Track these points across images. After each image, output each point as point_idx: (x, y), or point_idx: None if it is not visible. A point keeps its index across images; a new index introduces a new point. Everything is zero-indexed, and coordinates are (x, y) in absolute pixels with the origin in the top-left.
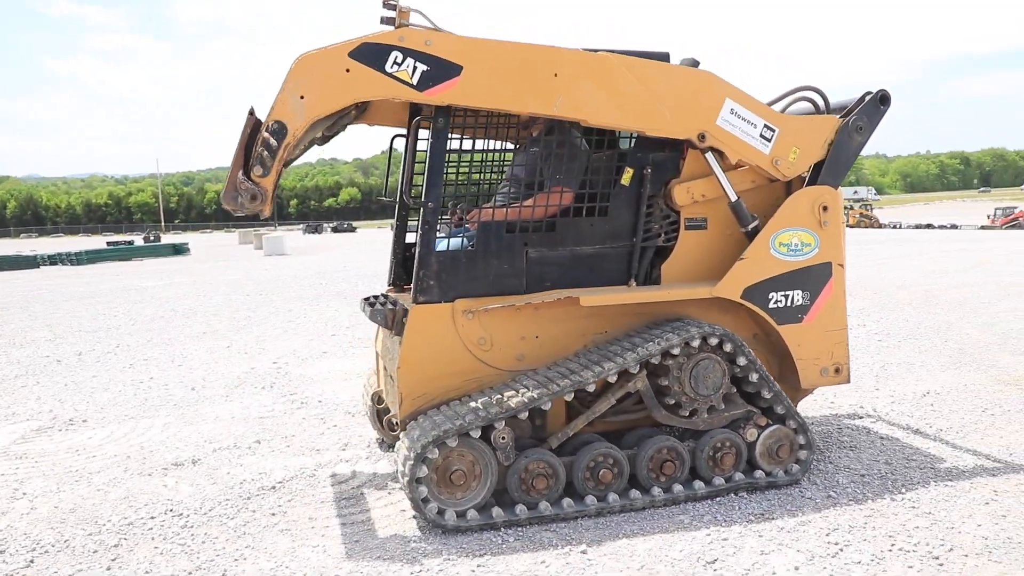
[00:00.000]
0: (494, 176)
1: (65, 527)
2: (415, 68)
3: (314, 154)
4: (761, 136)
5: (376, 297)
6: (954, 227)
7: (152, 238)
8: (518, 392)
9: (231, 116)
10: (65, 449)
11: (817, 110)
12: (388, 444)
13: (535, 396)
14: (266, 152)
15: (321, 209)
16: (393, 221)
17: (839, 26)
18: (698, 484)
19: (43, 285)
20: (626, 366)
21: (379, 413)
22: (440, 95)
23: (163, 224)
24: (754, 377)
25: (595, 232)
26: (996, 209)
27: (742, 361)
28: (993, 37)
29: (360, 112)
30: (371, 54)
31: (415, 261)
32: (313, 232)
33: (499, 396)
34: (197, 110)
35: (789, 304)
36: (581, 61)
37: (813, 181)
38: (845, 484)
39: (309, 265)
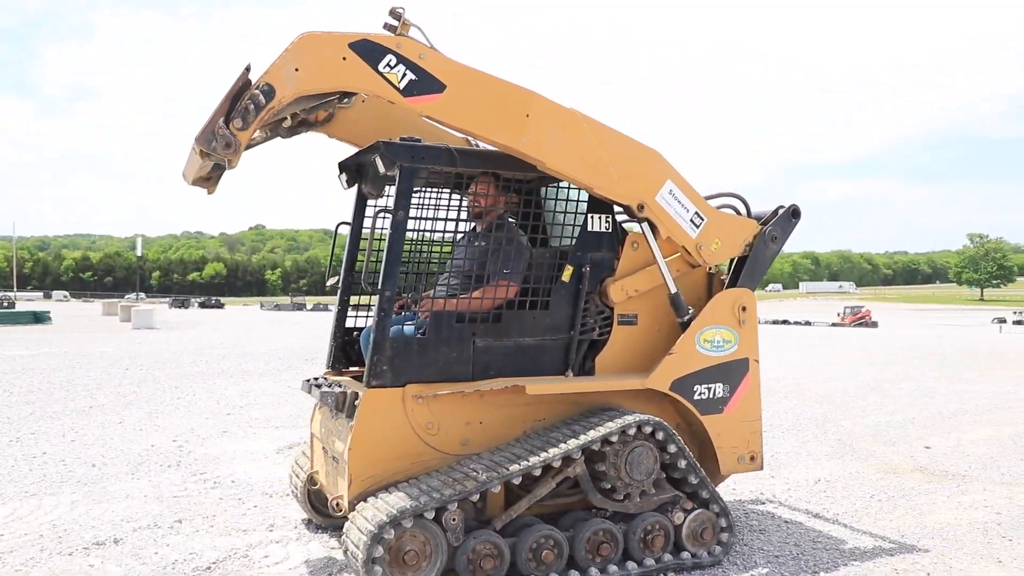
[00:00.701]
0: (438, 266)
1: None
2: (404, 75)
3: (179, 226)
4: (691, 221)
5: (318, 379)
6: (808, 323)
7: (6, 304)
8: (468, 475)
9: (90, 182)
10: None
11: (739, 215)
12: (318, 525)
13: (485, 479)
14: (252, 107)
15: (185, 283)
16: (335, 304)
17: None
18: (631, 565)
19: None
20: (569, 452)
21: (311, 494)
22: (421, 105)
23: (15, 290)
24: (682, 464)
25: (537, 324)
26: (845, 307)
27: (672, 448)
28: (837, 148)
29: (326, 120)
30: (368, 50)
31: (371, 346)
32: (180, 307)
33: (450, 479)
34: (56, 174)
35: (712, 396)
36: (552, 109)
37: (732, 283)
38: (762, 564)
39: (184, 341)
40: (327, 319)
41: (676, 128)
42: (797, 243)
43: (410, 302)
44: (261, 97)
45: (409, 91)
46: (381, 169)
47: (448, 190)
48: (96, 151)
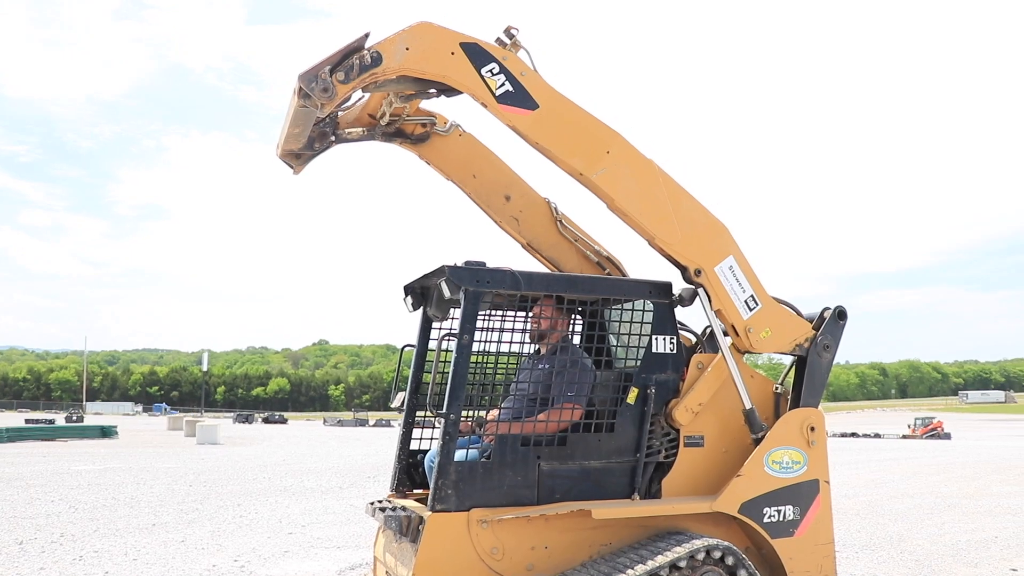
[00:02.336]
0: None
1: None
2: (503, 84)
3: (244, 341)
4: (745, 302)
5: (382, 502)
6: (877, 436)
7: (75, 418)
8: None
9: (158, 299)
10: None
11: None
12: None
13: None
14: (358, 64)
15: (249, 398)
16: (399, 427)
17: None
18: None
19: None
20: None
21: None
22: (511, 116)
23: (85, 403)
24: None
25: (602, 447)
26: (916, 419)
27: (742, 574)
28: (892, 258)
29: (421, 139)
30: (476, 53)
31: (435, 470)
32: (244, 422)
33: None
34: (125, 291)
35: (782, 519)
36: (632, 154)
37: (796, 403)
38: None
39: (247, 457)
40: (389, 435)
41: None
42: (863, 354)
43: (475, 426)
44: (369, 59)
45: (504, 99)
46: (446, 293)
47: (512, 312)
48: (163, 269)
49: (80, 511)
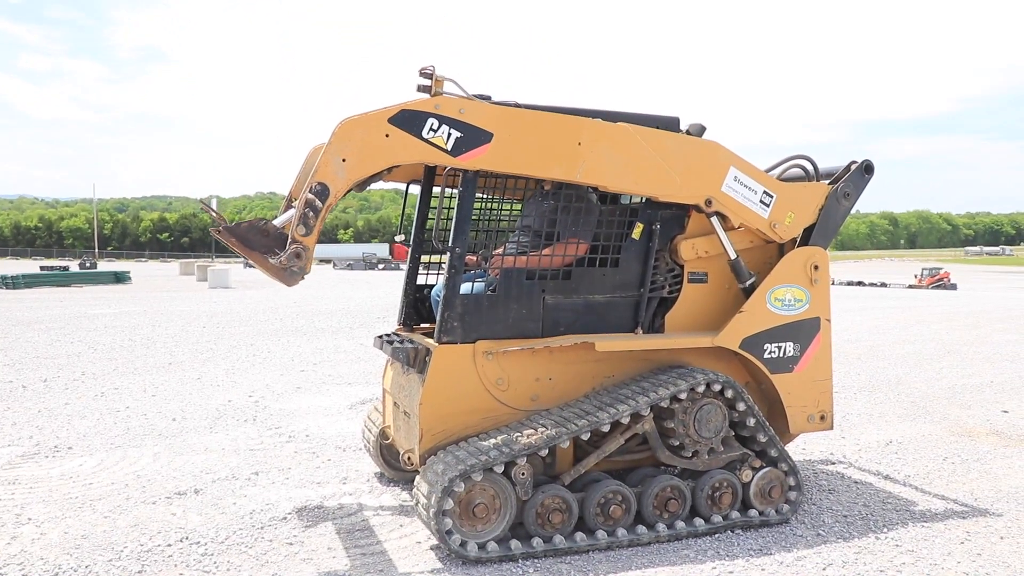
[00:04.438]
0: (508, 224)
1: (81, 552)
2: (449, 134)
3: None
4: (761, 201)
5: (390, 335)
6: (884, 285)
7: (88, 265)
8: (537, 430)
9: (166, 144)
10: (58, 476)
11: (808, 176)
12: (390, 479)
13: (554, 434)
14: (310, 212)
15: None
16: (405, 262)
17: (757, 86)
18: (698, 521)
19: None
20: (638, 409)
21: (383, 448)
22: (472, 160)
23: (97, 251)
24: (751, 422)
25: (606, 282)
26: (923, 269)
27: (741, 407)
28: (914, 104)
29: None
30: (409, 120)
31: (441, 303)
32: (252, 266)
33: (519, 434)
34: (131, 137)
35: (782, 355)
36: (603, 130)
37: (804, 242)
38: (831, 524)
39: (258, 300)
40: (397, 277)
41: (739, 86)
42: (873, 203)
43: (480, 259)
44: (317, 200)
45: (457, 149)
46: None
47: None
48: (168, 114)
49: (99, 351)
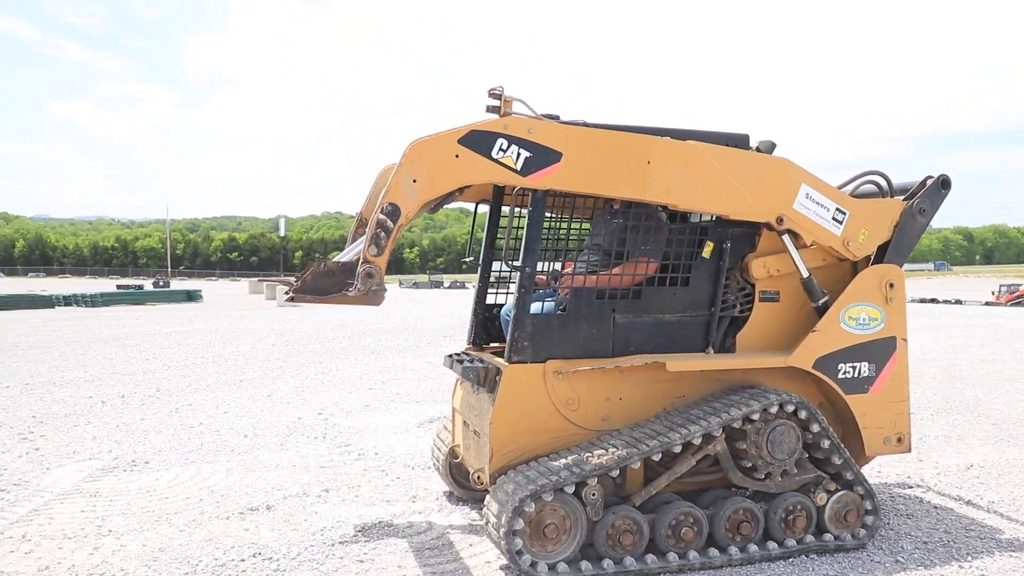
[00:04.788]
0: (577, 243)
1: (159, 565)
2: (519, 154)
3: (319, 207)
4: (833, 219)
5: (460, 355)
6: (959, 302)
7: (162, 283)
8: (608, 451)
9: (234, 165)
10: (136, 489)
11: (882, 192)
12: (459, 497)
13: (625, 455)
14: (382, 232)
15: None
16: (473, 282)
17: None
18: (772, 545)
19: (64, 325)
20: (710, 430)
21: (452, 467)
22: (541, 180)
23: (169, 269)
24: (825, 443)
25: (677, 301)
26: (1001, 286)
27: (815, 428)
28: (982, 115)
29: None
30: (478, 141)
31: (511, 323)
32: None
33: (590, 454)
34: (201, 159)
35: (856, 375)
36: (672, 148)
37: (879, 259)
38: (910, 550)
39: (326, 318)
40: (463, 297)
41: (809, 103)
42: (947, 218)
43: (550, 279)
44: (388, 221)
45: (527, 169)
46: None
47: None
48: (236, 136)
49: (173, 368)
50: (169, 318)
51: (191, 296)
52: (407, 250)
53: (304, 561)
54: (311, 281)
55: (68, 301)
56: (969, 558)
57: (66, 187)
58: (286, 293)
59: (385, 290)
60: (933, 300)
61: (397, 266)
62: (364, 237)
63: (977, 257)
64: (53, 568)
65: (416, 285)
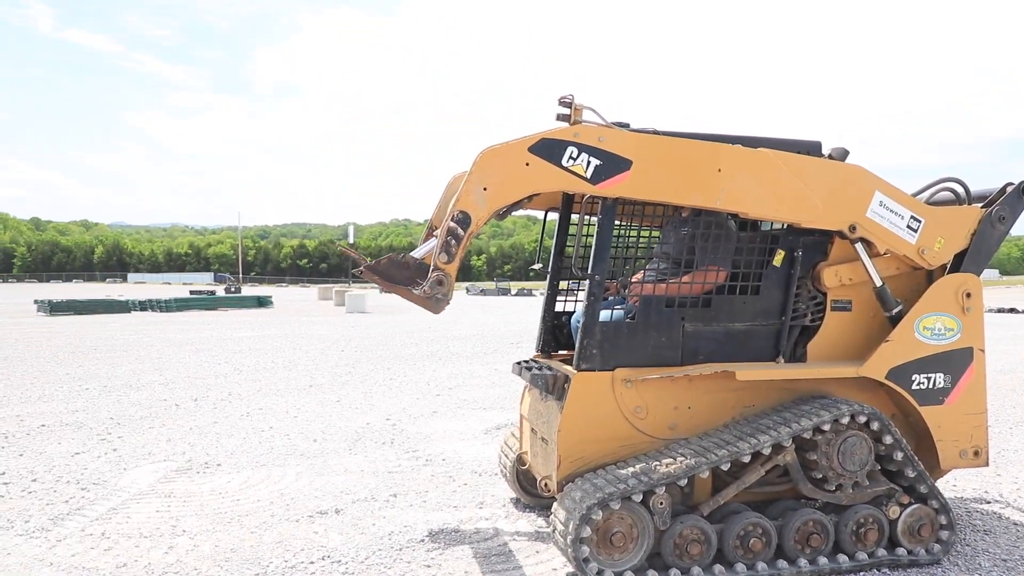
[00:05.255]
0: (646, 250)
1: (231, 565)
2: (589, 163)
3: (388, 214)
4: (908, 227)
5: (528, 362)
6: None
7: (233, 289)
8: (676, 459)
9: (301, 174)
10: (208, 491)
11: (959, 200)
12: (526, 504)
13: (693, 464)
14: (452, 240)
15: None
16: (544, 289)
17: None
18: (842, 558)
19: (140, 330)
20: (780, 440)
21: (519, 474)
22: (612, 188)
23: (241, 275)
24: (898, 456)
25: (747, 310)
26: None
27: (888, 440)
28: None
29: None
30: (549, 149)
31: (580, 330)
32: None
33: (658, 463)
34: (271, 167)
35: (931, 386)
36: (742, 157)
37: (955, 268)
38: (988, 568)
39: (394, 325)
40: (531, 304)
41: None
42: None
43: (619, 287)
44: (459, 229)
45: (597, 177)
46: None
47: None
48: (305, 145)
49: (244, 372)
50: (240, 323)
51: (262, 302)
52: (475, 257)
53: (372, 565)
54: (385, 266)
55: (144, 306)
56: None
57: (141, 195)
58: (359, 269)
59: (448, 301)
60: (1012, 310)
61: (465, 273)
62: (435, 239)
63: None
64: (131, 565)
65: (484, 292)
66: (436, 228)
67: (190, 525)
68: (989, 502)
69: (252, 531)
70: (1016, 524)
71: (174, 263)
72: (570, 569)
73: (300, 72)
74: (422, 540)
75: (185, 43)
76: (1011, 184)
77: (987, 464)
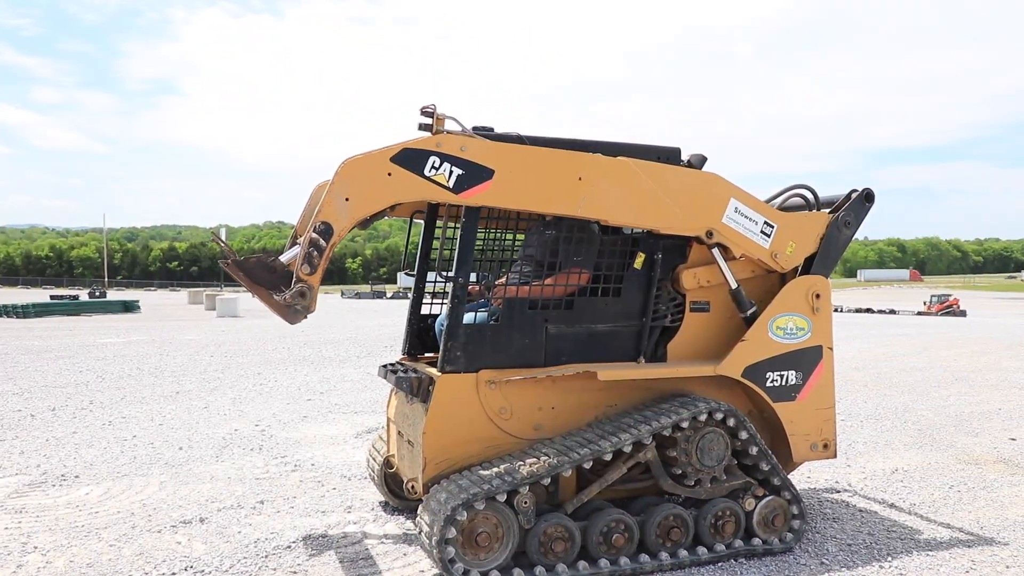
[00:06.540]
0: (510, 254)
1: None
2: (451, 172)
3: (261, 216)
4: (761, 232)
5: (394, 365)
6: (892, 312)
7: (98, 294)
8: (539, 459)
9: (175, 174)
10: (64, 504)
11: (808, 205)
12: (394, 507)
13: (557, 463)
14: (315, 251)
15: None
16: (410, 292)
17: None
18: (701, 550)
19: None
20: (640, 438)
21: (387, 477)
22: (474, 197)
23: (106, 280)
24: (753, 450)
25: (609, 311)
26: (932, 296)
27: (743, 435)
28: (920, 132)
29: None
30: (411, 159)
31: (444, 333)
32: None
33: (521, 463)
34: (140, 167)
35: (784, 383)
36: (602, 166)
37: (806, 271)
38: (835, 552)
39: (266, 329)
40: (406, 306)
41: (741, 118)
42: (882, 230)
43: (483, 289)
44: (320, 240)
45: (459, 186)
46: None
47: None
48: (177, 145)
49: (107, 380)
50: (105, 329)
51: (128, 307)
52: (350, 260)
53: (236, 574)
54: (252, 265)
55: None
56: (890, 559)
57: None
58: (225, 260)
59: (306, 314)
60: (868, 310)
61: (340, 275)
62: (299, 247)
63: (910, 268)
64: None
65: (359, 295)
66: (300, 236)
67: (42, 541)
68: (839, 491)
69: (111, 544)
70: (861, 511)
71: (33, 267)
72: (437, 571)
73: (176, 69)
74: (289, 546)
75: (47, 33)
76: (855, 191)
77: (835, 456)
